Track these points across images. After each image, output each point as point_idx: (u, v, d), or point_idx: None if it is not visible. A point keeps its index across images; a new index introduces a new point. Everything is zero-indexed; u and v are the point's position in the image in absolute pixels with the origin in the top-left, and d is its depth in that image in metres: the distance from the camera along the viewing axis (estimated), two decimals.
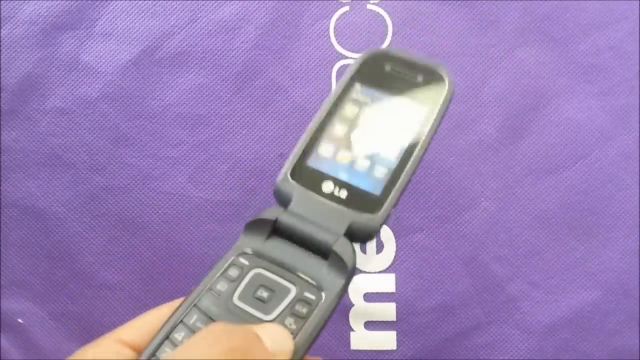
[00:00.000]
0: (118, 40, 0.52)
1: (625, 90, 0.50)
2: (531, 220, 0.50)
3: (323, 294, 0.29)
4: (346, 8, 0.51)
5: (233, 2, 0.52)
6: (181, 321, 0.28)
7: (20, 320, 0.51)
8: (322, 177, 0.31)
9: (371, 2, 0.51)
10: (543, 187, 0.50)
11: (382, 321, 0.50)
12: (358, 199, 0.30)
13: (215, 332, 0.26)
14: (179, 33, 0.52)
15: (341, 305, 0.50)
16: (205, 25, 0.52)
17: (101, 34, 0.52)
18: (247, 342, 0.26)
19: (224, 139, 0.51)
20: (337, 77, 0.51)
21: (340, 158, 0.32)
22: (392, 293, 0.50)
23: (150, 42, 0.52)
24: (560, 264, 0.50)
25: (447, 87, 0.32)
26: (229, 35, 0.52)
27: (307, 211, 0.30)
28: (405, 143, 0.31)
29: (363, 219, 0.30)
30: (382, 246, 0.50)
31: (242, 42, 0.51)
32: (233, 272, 0.29)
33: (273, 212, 0.31)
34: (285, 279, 0.29)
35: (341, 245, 0.29)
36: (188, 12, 0.52)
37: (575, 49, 0.51)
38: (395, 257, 0.50)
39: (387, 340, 0.50)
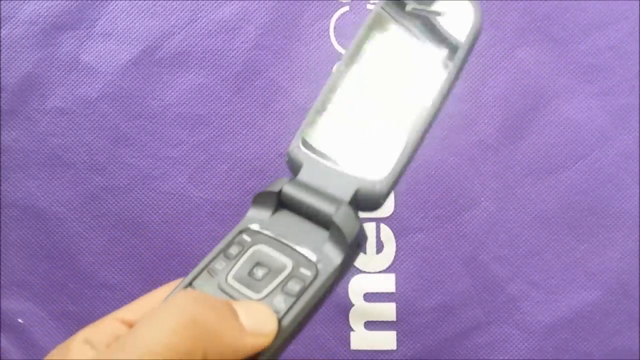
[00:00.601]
0: (118, 40, 0.52)
1: (625, 90, 0.50)
2: (531, 220, 0.50)
3: (319, 271, 0.27)
4: (346, 8, 0.51)
5: (233, 2, 0.52)
6: None
7: (20, 320, 0.51)
8: (333, 142, 0.29)
9: (371, 1, 0.51)
10: (543, 187, 0.50)
11: (382, 321, 0.50)
12: (367, 163, 0.29)
13: (181, 301, 0.24)
14: (179, 33, 0.52)
15: (341, 305, 0.50)
16: (205, 25, 0.52)
17: (101, 34, 0.52)
18: (216, 315, 0.24)
19: (224, 139, 0.51)
20: None
21: (353, 120, 0.30)
22: (392, 293, 0.50)
23: (150, 42, 0.52)
24: (560, 264, 0.50)
25: (474, 19, 0.29)
26: (229, 35, 0.51)
27: (314, 179, 0.29)
28: (421, 99, 0.29)
29: (369, 184, 0.28)
30: (382, 246, 0.50)
31: (242, 42, 0.51)
32: (233, 250, 0.28)
33: (279, 183, 0.29)
34: (284, 254, 0.27)
35: (342, 216, 0.27)
36: (188, 12, 0.52)
37: (575, 49, 0.51)
38: (395, 257, 0.50)
39: (387, 340, 0.50)
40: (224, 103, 0.51)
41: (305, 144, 0.30)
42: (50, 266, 0.51)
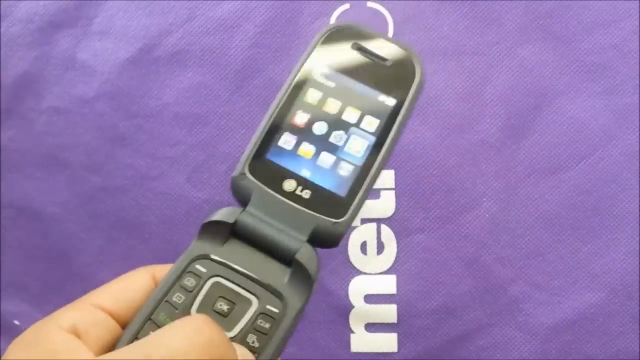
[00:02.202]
0: (115, 39, 0.51)
1: (628, 89, 0.50)
2: (534, 220, 0.50)
3: (286, 307, 0.27)
4: (346, 6, 0.51)
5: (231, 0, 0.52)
6: (136, 338, 0.26)
7: (16, 322, 0.51)
8: (284, 174, 0.29)
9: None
10: (546, 187, 0.50)
11: (383, 323, 0.49)
12: (322, 200, 0.28)
13: (196, 322, 0.24)
14: (176, 31, 0.51)
15: (341, 307, 0.50)
16: (204, 23, 0.51)
17: (98, 32, 0.52)
18: (225, 340, 0.25)
19: (223, 139, 0.51)
20: None
21: (303, 152, 0.29)
22: (393, 295, 0.50)
23: (147, 40, 0.51)
24: (563, 265, 0.49)
25: (418, 74, 0.30)
26: (227, 34, 0.51)
27: (268, 213, 0.28)
28: (373, 137, 0.29)
29: (328, 224, 0.28)
30: (383, 247, 0.50)
31: (241, 41, 0.51)
32: (189, 282, 0.27)
33: (231, 214, 0.28)
34: (245, 289, 0.27)
35: (305, 254, 0.27)
36: (186, 10, 0.51)
37: (578, 47, 0.50)
38: (396, 258, 0.50)
39: (388, 342, 0.49)
40: (222, 102, 0.51)
41: (253, 171, 0.29)
42: (46, 267, 0.51)
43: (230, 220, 0.28)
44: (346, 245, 0.50)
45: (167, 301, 0.27)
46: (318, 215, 0.28)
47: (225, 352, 0.24)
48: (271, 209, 0.28)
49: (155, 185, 0.51)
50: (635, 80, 0.50)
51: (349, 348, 0.49)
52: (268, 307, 0.27)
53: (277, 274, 0.28)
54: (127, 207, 0.51)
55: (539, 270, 0.49)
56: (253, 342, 0.26)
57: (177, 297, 0.27)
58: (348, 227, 0.28)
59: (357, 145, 0.29)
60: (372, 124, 0.30)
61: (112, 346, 0.26)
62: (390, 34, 0.51)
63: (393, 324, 0.49)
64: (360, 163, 0.29)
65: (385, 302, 0.50)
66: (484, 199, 0.50)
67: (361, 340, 0.49)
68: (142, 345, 0.24)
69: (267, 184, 0.29)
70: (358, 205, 0.28)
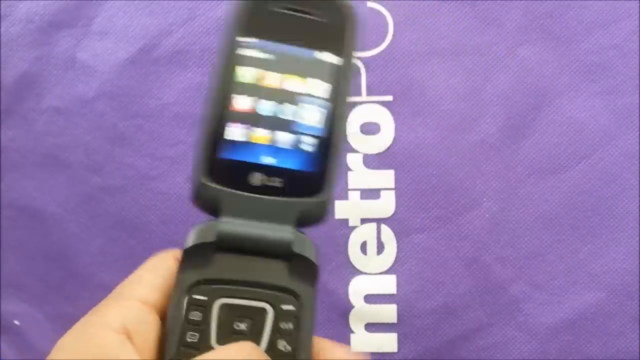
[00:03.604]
0: (115, 39, 0.51)
1: (628, 89, 0.50)
2: (534, 220, 0.50)
3: (300, 300, 0.26)
4: None
5: None
6: None
7: (16, 322, 0.51)
8: (245, 168, 0.26)
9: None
10: (546, 187, 0.50)
11: (383, 323, 0.49)
12: (295, 183, 0.26)
13: (248, 346, 0.24)
14: (177, 31, 0.51)
15: (341, 307, 0.50)
16: (204, 23, 0.51)
17: (98, 32, 0.52)
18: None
19: None
20: None
21: (256, 138, 0.26)
22: (393, 295, 0.50)
23: (147, 40, 0.51)
24: (563, 265, 0.49)
25: (353, 24, 0.27)
26: None
27: (245, 215, 0.26)
28: (327, 102, 0.27)
29: (310, 205, 0.26)
30: (383, 247, 0.50)
31: None
32: (195, 316, 0.25)
33: (208, 231, 0.26)
34: (254, 299, 0.26)
35: (299, 243, 0.26)
36: (186, 10, 0.51)
37: (578, 47, 0.50)
38: (396, 258, 0.50)
39: (388, 342, 0.49)
40: None
41: (212, 176, 0.26)
42: (46, 267, 0.51)
43: (212, 238, 0.26)
44: (346, 245, 0.50)
45: (183, 346, 0.25)
46: (297, 199, 0.26)
47: None
48: (246, 210, 0.26)
49: (155, 185, 0.51)
50: (635, 80, 0.50)
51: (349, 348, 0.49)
52: (283, 307, 0.26)
53: (277, 272, 0.26)
54: (127, 207, 0.51)
55: (539, 270, 0.49)
56: (285, 347, 0.25)
57: (191, 337, 0.25)
58: (331, 200, 0.27)
59: (314, 115, 0.27)
60: (322, 88, 0.27)
61: (157, 344, 0.25)
62: (390, 34, 0.51)
63: (393, 324, 0.49)
64: (322, 133, 0.27)
65: (385, 302, 0.50)
66: (484, 199, 0.50)
67: (361, 340, 0.49)
68: None
69: (232, 186, 0.26)
70: (332, 176, 0.27)
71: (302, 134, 0.27)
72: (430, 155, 0.50)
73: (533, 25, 0.50)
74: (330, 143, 0.27)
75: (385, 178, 0.50)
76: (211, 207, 0.26)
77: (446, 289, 0.50)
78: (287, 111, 0.27)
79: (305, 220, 0.27)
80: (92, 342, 0.24)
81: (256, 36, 0.26)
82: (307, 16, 0.27)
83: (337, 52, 0.27)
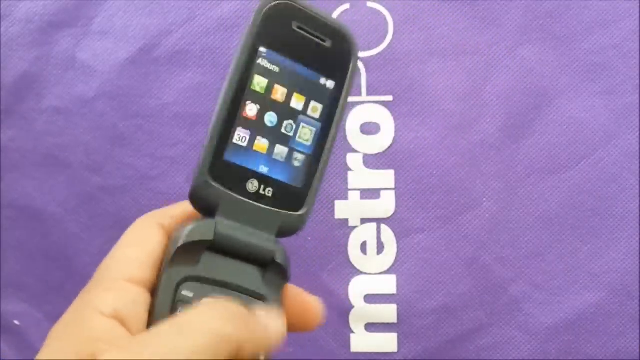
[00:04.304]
0: (115, 39, 0.51)
1: (628, 89, 0.50)
2: (534, 221, 0.49)
3: (269, 304, 0.27)
4: (346, 6, 0.51)
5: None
6: None
7: (16, 322, 0.51)
8: (245, 174, 0.28)
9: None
10: (546, 187, 0.50)
11: (383, 323, 0.49)
12: (282, 195, 0.28)
13: (219, 301, 0.25)
14: (177, 31, 0.51)
15: (341, 307, 0.49)
16: (204, 23, 0.51)
17: (98, 32, 0.52)
18: (243, 324, 0.25)
19: None
20: None
21: (258, 147, 0.28)
22: (393, 295, 0.50)
23: (147, 40, 0.51)
24: (563, 265, 0.49)
25: (354, 54, 0.29)
26: (227, 33, 0.51)
27: (238, 219, 0.27)
28: (319, 123, 0.29)
29: (292, 219, 0.28)
30: (383, 247, 0.50)
31: None
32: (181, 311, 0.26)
33: (206, 229, 0.26)
34: (232, 297, 0.27)
35: (281, 255, 0.28)
36: (186, 10, 0.51)
37: (578, 47, 0.50)
38: (396, 258, 0.50)
39: (388, 342, 0.49)
40: None
41: (215, 176, 0.27)
42: (46, 267, 0.51)
43: (210, 237, 0.26)
44: (346, 245, 0.50)
45: None
46: (281, 211, 0.28)
47: (244, 330, 0.24)
48: (241, 214, 0.27)
49: (155, 185, 0.51)
50: (635, 80, 0.50)
51: (349, 348, 0.49)
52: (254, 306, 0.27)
53: (252, 277, 0.27)
54: (127, 207, 0.51)
55: (539, 270, 0.49)
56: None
57: None
58: (309, 216, 0.29)
59: (306, 134, 0.29)
60: (316, 109, 0.29)
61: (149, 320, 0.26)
62: (390, 34, 0.51)
63: (393, 324, 0.49)
64: (310, 152, 0.29)
65: (385, 302, 0.50)
66: (484, 199, 0.50)
67: (361, 340, 0.49)
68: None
69: (232, 189, 0.27)
70: (314, 194, 0.29)
71: (295, 150, 0.28)
72: (430, 155, 0.50)
73: (533, 25, 0.50)
74: (317, 163, 0.29)
75: (385, 178, 0.50)
76: (209, 205, 0.27)
77: (446, 289, 0.49)
78: (287, 126, 0.28)
79: (284, 231, 0.28)
80: (84, 328, 0.24)
81: (277, 50, 0.28)
82: (321, 42, 0.29)
83: (339, 80, 0.29)
